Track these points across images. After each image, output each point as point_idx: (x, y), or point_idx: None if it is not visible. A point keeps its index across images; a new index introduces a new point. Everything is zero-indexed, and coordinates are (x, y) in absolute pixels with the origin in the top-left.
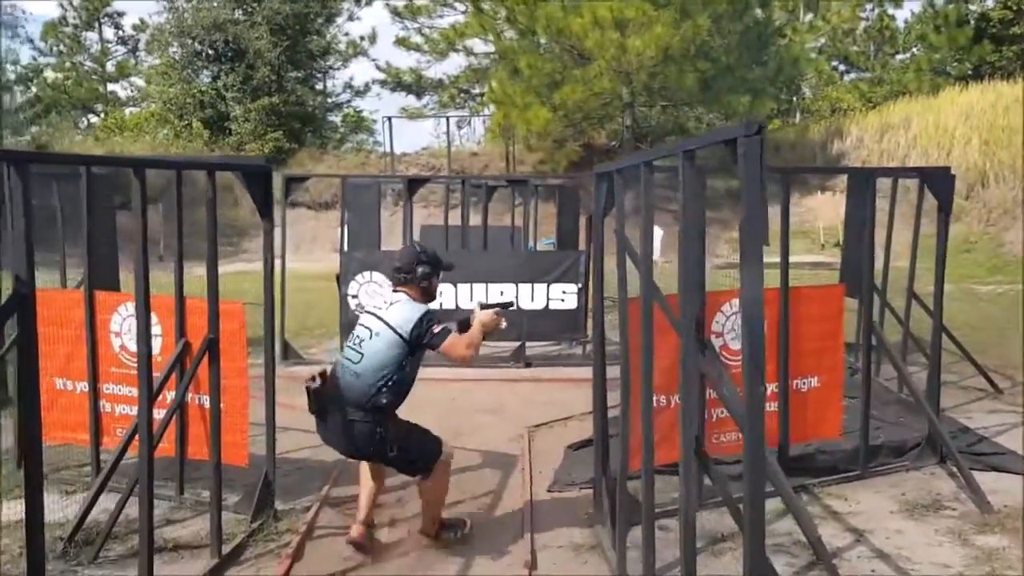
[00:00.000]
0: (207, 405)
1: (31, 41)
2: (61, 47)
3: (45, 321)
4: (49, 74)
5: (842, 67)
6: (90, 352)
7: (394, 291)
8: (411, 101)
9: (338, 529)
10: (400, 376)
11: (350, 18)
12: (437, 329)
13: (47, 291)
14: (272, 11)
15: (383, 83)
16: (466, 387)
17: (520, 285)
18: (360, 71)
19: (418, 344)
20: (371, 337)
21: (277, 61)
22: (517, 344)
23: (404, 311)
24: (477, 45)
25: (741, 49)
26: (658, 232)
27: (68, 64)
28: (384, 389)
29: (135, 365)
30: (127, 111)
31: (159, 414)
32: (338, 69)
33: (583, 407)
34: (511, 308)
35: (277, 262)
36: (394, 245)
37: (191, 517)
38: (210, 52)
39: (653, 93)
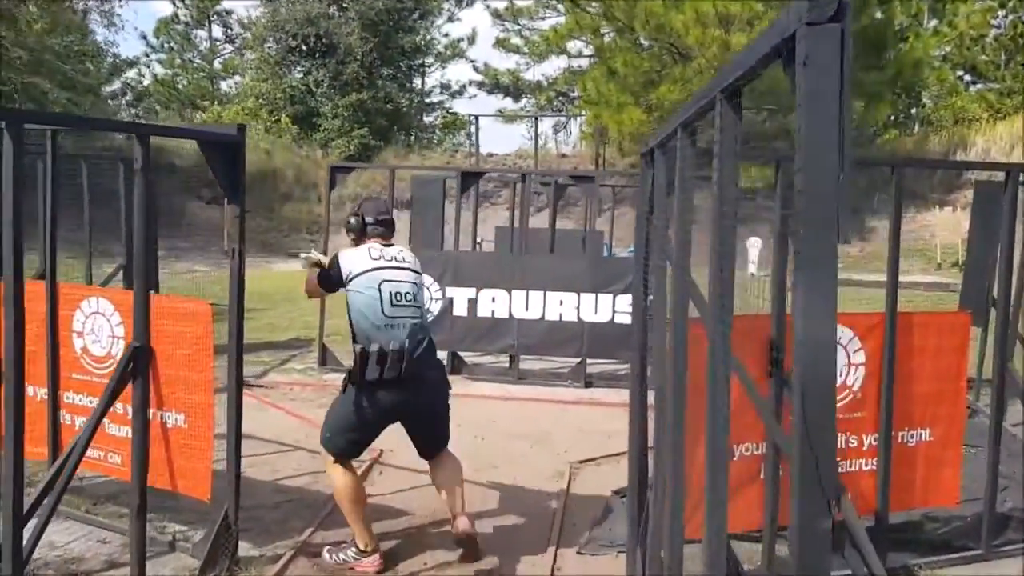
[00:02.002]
0: (171, 423)
1: (144, 37)
2: (172, 44)
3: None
4: (159, 70)
5: (968, 77)
6: (50, 354)
7: (387, 244)
8: (508, 103)
9: None
10: None
11: (450, 19)
12: None
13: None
14: (365, 6)
15: (480, 84)
16: (511, 408)
17: (582, 295)
18: (458, 72)
19: None
20: (418, 291)
21: (368, 57)
22: (576, 361)
23: (415, 257)
24: (576, 46)
25: (856, 51)
26: (754, 242)
27: (178, 61)
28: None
29: (99, 371)
30: (228, 107)
31: (121, 431)
32: (432, 68)
33: None
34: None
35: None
36: (464, 245)
37: (148, 557)
38: (303, 48)
39: (757, 94)
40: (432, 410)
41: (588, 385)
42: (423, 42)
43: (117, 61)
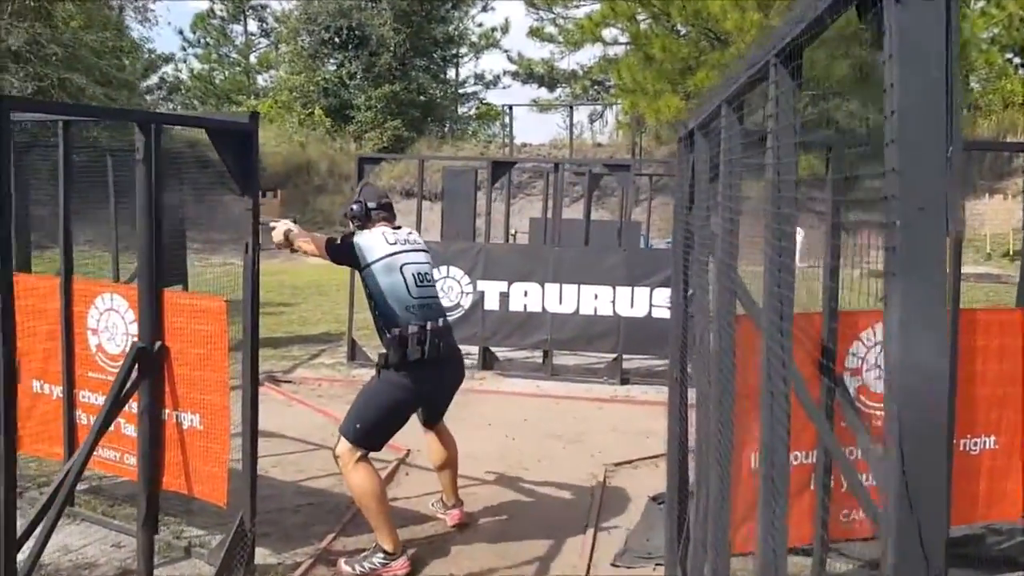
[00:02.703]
0: (187, 425)
1: (181, 32)
2: (208, 39)
3: (25, 312)
4: (195, 65)
5: (1017, 60)
6: (65, 352)
7: (395, 227)
8: (542, 93)
9: None
10: None
11: (483, 9)
12: None
13: (27, 276)
14: None
15: (514, 75)
16: (544, 405)
17: (618, 288)
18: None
19: None
20: (432, 271)
21: (401, 48)
22: (612, 357)
23: (423, 241)
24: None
25: None
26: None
27: (214, 56)
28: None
29: (114, 369)
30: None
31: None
32: (467, 59)
33: None
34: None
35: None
36: (497, 237)
37: (161, 564)
38: (336, 40)
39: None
40: (455, 386)
41: (624, 382)
42: (456, 32)
43: (153, 56)
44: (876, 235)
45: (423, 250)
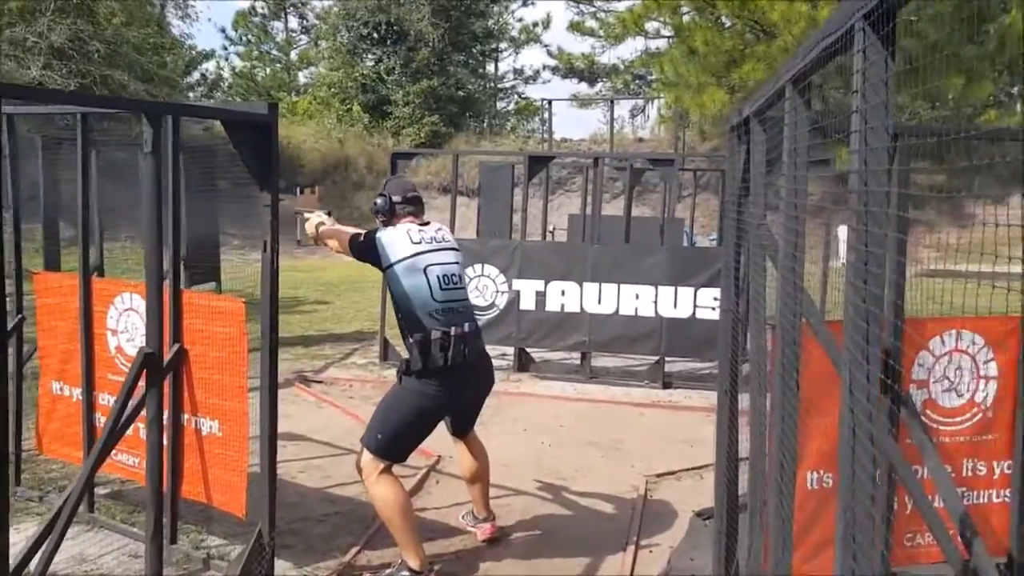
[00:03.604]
0: (206, 431)
1: (223, 30)
2: (249, 36)
3: (47, 311)
4: (237, 62)
5: None
6: (84, 353)
7: (423, 223)
8: (583, 88)
9: None
10: None
11: (524, 3)
12: None
13: (48, 275)
14: None
15: (554, 69)
16: (582, 409)
17: (660, 288)
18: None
19: None
20: (462, 271)
21: (439, 43)
22: (654, 359)
23: (452, 238)
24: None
25: (953, 23)
26: (843, 230)
27: (255, 53)
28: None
29: None
30: (302, 97)
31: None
32: (507, 54)
33: None
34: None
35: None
36: (534, 235)
37: None
38: (374, 35)
39: (847, 72)
40: (484, 394)
41: (667, 386)
42: (496, 27)
43: (194, 53)
44: (932, 232)
45: (452, 248)
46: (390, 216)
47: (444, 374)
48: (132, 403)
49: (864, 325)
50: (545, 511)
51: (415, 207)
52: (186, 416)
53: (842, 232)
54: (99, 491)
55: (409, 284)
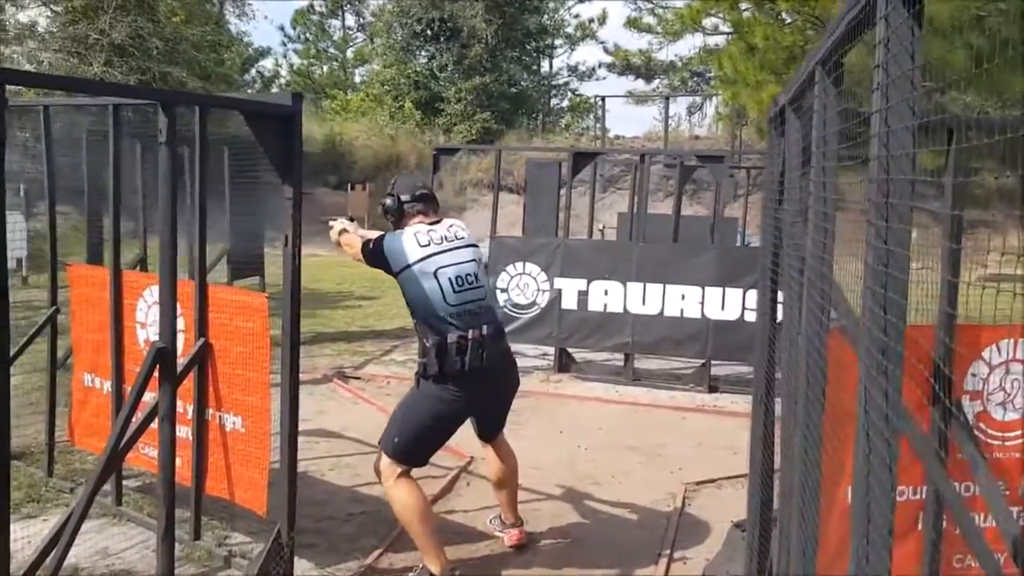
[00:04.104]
0: (229, 426)
1: (282, 28)
2: (307, 34)
3: (79, 302)
4: (295, 59)
5: None
6: (114, 345)
7: (436, 221)
8: (639, 85)
9: None
10: None
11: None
12: None
13: (81, 266)
14: None
15: (610, 66)
16: (622, 413)
17: (707, 288)
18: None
19: None
20: (479, 268)
21: (492, 39)
22: (700, 362)
23: (468, 231)
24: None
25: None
26: None
27: (313, 51)
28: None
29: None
30: (355, 94)
31: (181, 432)
32: (562, 51)
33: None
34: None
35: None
36: (580, 233)
37: (199, 574)
38: (427, 32)
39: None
40: (507, 397)
41: (712, 390)
42: (551, 23)
43: (251, 51)
44: (997, 235)
45: (466, 246)
46: (399, 216)
47: (462, 378)
48: (151, 397)
49: (881, 337)
50: (577, 517)
51: (425, 204)
52: (210, 411)
53: None
54: (129, 483)
55: (420, 289)
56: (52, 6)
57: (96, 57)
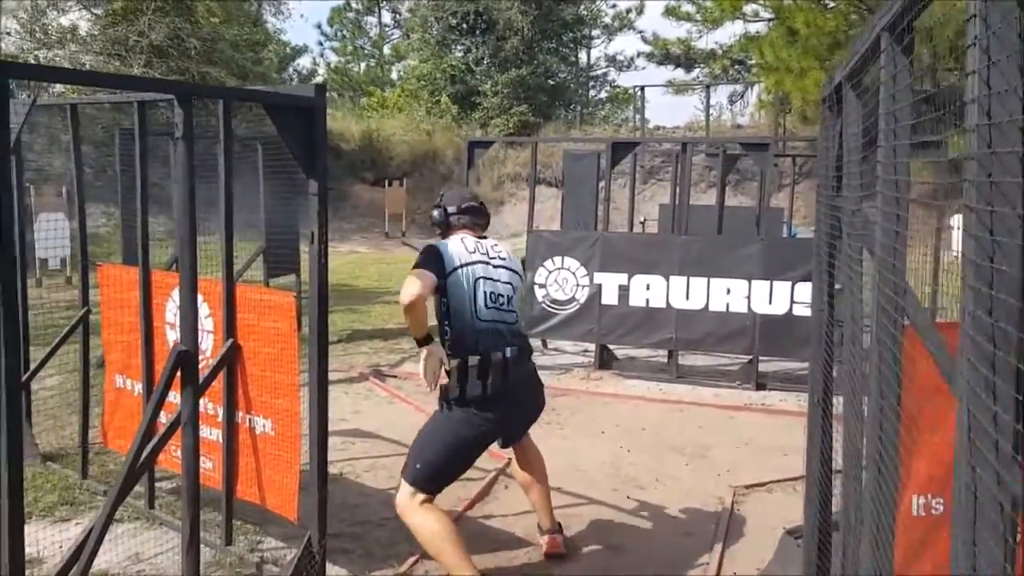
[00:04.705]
0: (260, 430)
1: (319, 26)
2: (344, 32)
3: (110, 303)
4: (332, 58)
5: None
6: (144, 347)
7: (480, 235)
8: (678, 74)
9: None
10: None
11: None
12: None
13: (111, 266)
14: None
15: (649, 56)
16: (666, 411)
17: (753, 282)
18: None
19: None
20: (514, 294)
21: (529, 32)
22: (746, 359)
23: (514, 257)
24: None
25: None
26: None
27: (350, 48)
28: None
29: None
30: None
31: (212, 434)
32: (600, 42)
33: None
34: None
35: None
36: (621, 225)
37: None
38: (463, 26)
39: (959, 54)
40: (532, 418)
41: (760, 387)
42: (588, 13)
43: (288, 50)
44: None
45: (508, 268)
46: (446, 228)
47: (485, 402)
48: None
49: (990, 348)
50: (619, 523)
51: (472, 218)
52: (240, 414)
53: (956, 220)
54: (165, 485)
55: (463, 293)
56: (93, 9)
57: (136, 59)
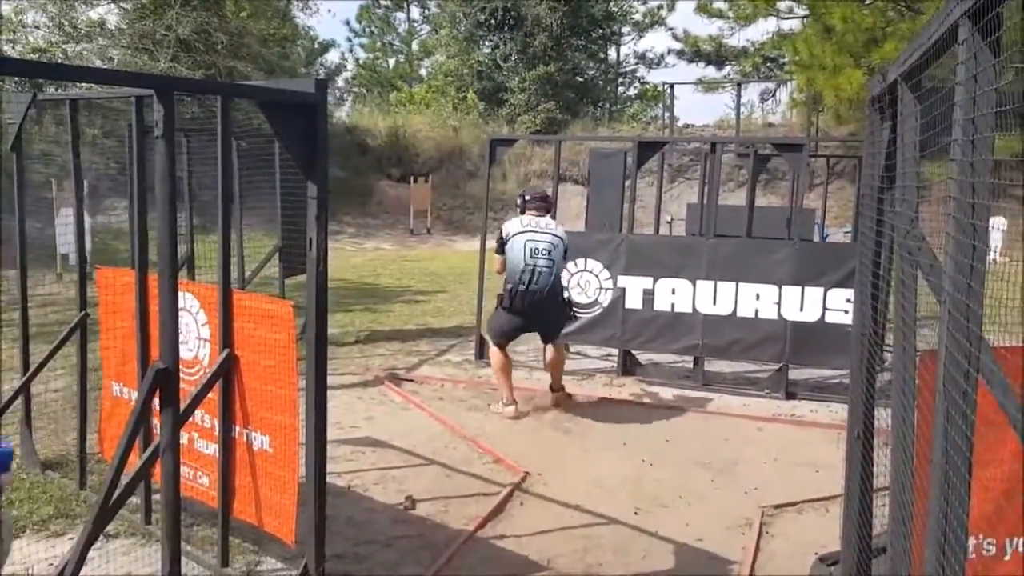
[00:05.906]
0: (257, 446)
1: (347, 23)
2: (373, 28)
3: (107, 308)
4: (360, 53)
5: None
6: (140, 354)
7: (539, 216)
8: (709, 72)
9: None
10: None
11: None
12: None
13: (108, 270)
14: None
15: (680, 53)
16: (691, 422)
17: (784, 287)
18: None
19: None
20: (553, 249)
21: (557, 28)
22: (776, 367)
23: (560, 229)
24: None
25: None
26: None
27: (378, 44)
28: (564, 285)
29: (188, 376)
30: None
31: (209, 449)
32: (630, 39)
33: None
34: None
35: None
36: (647, 226)
37: None
38: (491, 22)
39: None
40: (550, 321)
41: (790, 396)
42: (617, 10)
43: (315, 45)
44: None
45: (551, 233)
46: (521, 211)
47: (513, 309)
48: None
49: None
50: (641, 545)
51: (537, 203)
52: (237, 428)
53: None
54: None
55: (514, 252)
56: (121, 3)
57: (163, 53)
